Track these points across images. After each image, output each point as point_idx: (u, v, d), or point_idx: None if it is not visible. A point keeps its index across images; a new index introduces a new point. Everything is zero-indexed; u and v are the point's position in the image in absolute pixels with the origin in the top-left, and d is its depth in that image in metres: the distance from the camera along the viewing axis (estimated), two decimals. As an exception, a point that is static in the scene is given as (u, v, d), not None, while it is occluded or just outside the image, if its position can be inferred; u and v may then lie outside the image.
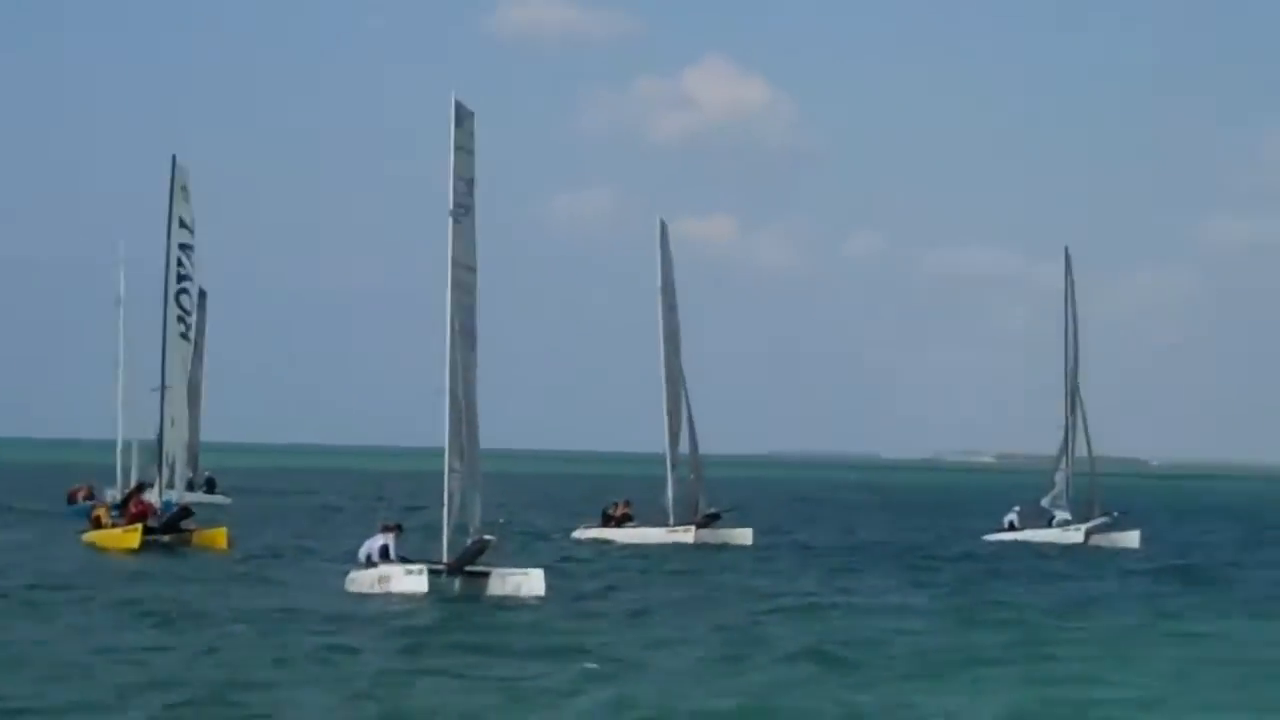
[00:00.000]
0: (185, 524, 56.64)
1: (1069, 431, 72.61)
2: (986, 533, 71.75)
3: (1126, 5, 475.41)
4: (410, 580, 40.94)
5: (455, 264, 42.83)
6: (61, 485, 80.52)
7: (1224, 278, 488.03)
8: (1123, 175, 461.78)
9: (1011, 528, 71.37)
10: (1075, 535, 69.52)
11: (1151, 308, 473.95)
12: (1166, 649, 33.54)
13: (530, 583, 41.44)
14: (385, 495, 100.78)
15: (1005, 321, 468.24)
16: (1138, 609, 41.79)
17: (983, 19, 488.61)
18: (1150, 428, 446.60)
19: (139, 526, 54.67)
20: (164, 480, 58.53)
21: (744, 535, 65.96)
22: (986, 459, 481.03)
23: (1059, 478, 72.24)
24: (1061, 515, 71.21)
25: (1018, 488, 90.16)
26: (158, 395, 59.15)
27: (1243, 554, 66.29)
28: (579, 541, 63.43)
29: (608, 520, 66.34)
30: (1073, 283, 73.69)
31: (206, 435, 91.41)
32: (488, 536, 42.04)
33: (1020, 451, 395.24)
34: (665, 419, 68.15)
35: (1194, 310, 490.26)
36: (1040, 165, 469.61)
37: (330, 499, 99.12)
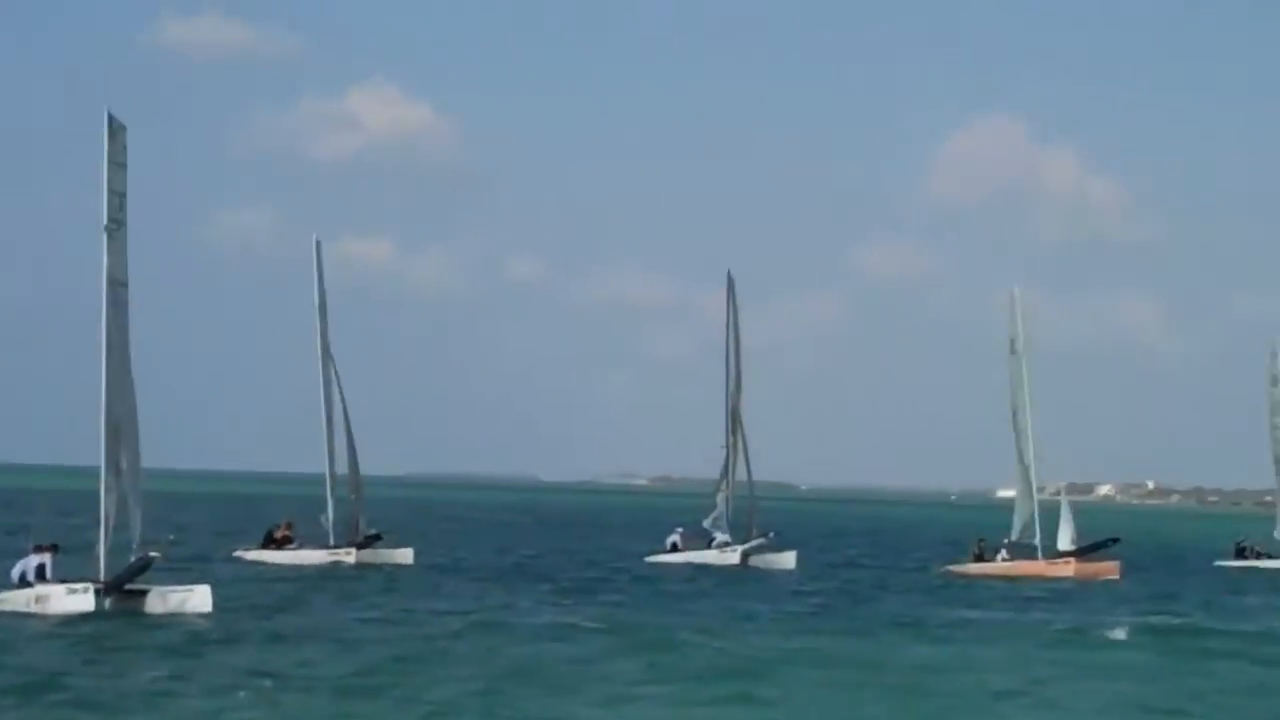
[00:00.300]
0: None
1: (730, 454, 73.76)
2: (647, 554, 72.53)
3: (789, 34, 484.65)
4: (73, 600, 40.08)
5: (109, 280, 42.13)
6: None
7: (871, 306, 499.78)
8: (779, 202, 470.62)
9: (674, 549, 72.19)
10: (733, 556, 70.57)
11: (801, 334, 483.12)
12: (812, 669, 34.09)
13: (195, 600, 41.06)
14: (40, 514, 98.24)
15: (662, 346, 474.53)
16: (787, 629, 42.51)
17: (643, 46, 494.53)
18: (799, 452, 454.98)
19: None
20: None
21: (405, 555, 65.89)
22: (642, 482, 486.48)
23: (720, 499, 73.33)
24: (721, 537, 72.27)
25: (677, 510, 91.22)
26: None
27: (890, 577, 67.78)
28: (241, 562, 62.71)
29: (270, 541, 65.65)
30: (735, 307, 74.96)
31: None
32: (153, 554, 41.43)
33: (675, 475, 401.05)
34: (325, 439, 67.75)
35: (843, 337, 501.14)
36: (699, 192, 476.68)
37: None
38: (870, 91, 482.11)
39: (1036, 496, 72.79)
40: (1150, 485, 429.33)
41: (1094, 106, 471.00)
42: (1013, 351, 74.50)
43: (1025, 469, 73.42)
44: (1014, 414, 74.15)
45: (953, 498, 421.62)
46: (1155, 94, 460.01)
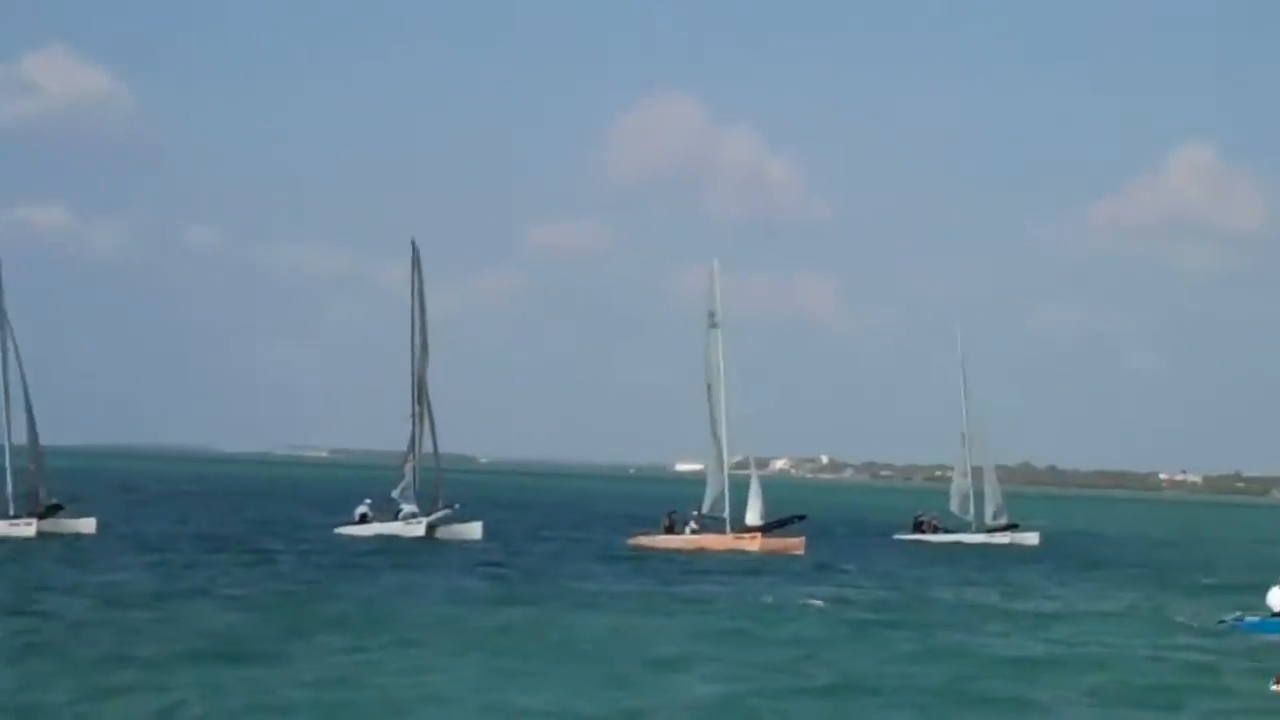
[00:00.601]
0: None
1: (416, 424, 73.73)
2: (334, 525, 72.31)
3: (472, 5, 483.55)
4: None
5: None
6: None
7: (550, 281, 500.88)
8: (459, 177, 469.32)
9: (363, 520, 72.11)
10: (419, 528, 70.69)
11: (478, 308, 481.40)
12: (489, 638, 34.42)
13: None
14: None
15: (340, 317, 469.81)
16: (469, 600, 42.97)
17: (322, 16, 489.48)
18: (478, 424, 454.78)
19: None
20: None
21: (87, 525, 65.37)
22: (320, 453, 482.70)
23: (408, 470, 73.31)
24: (409, 508, 72.30)
25: (360, 481, 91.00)
26: None
27: (575, 548, 68.51)
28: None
29: (-52, 513, 64.73)
30: (421, 276, 74.90)
31: None
32: None
33: (354, 447, 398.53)
34: (2, 408, 66.49)
35: (521, 312, 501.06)
36: (378, 163, 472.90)
37: None
38: (551, 66, 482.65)
39: (727, 471, 73.73)
40: (824, 460, 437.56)
41: (771, 88, 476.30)
42: (712, 325, 75.28)
43: (718, 443, 74.17)
44: (709, 388, 74.89)
45: (631, 471, 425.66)
46: (831, 76, 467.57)
